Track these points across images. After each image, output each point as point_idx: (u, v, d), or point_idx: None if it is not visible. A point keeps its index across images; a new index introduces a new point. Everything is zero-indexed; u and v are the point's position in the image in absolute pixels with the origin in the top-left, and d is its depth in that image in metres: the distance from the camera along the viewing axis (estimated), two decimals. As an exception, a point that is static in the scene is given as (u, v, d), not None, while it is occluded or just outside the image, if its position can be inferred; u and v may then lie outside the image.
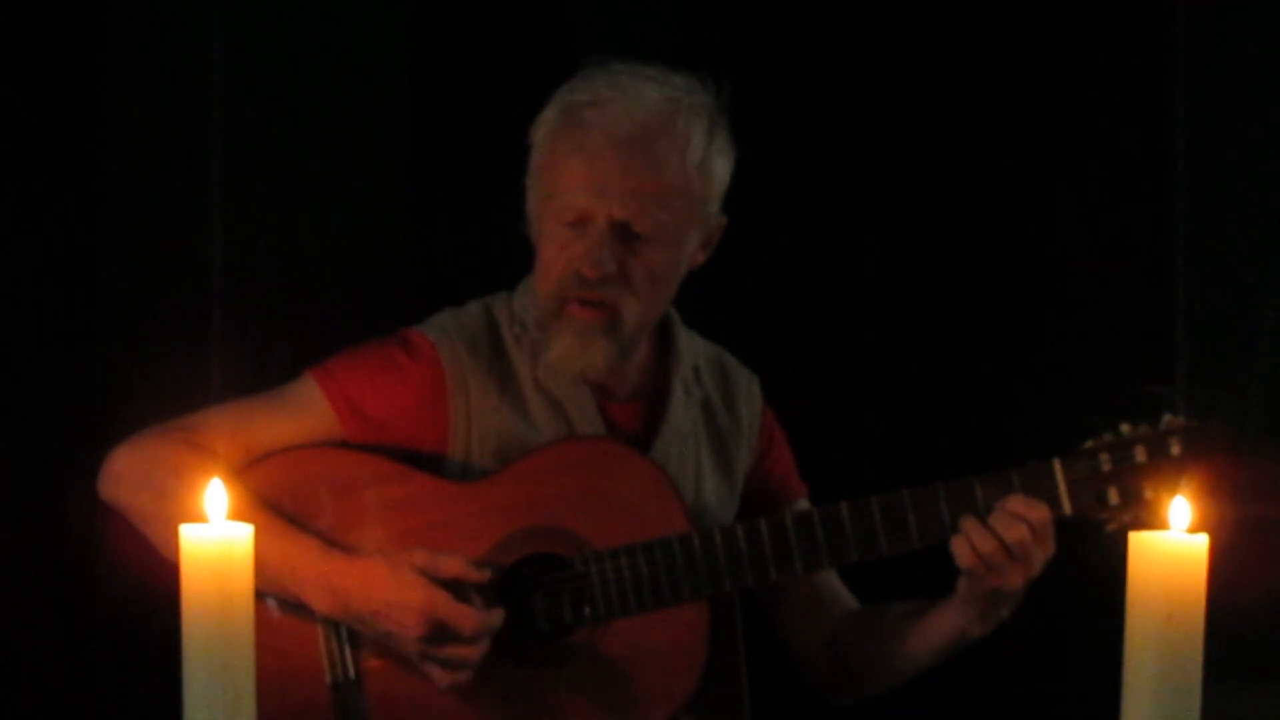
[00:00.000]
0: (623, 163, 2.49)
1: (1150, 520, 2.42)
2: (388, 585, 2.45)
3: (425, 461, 2.56)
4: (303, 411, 2.57)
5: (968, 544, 2.48)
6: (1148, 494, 2.50)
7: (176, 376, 3.14)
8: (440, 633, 2.44)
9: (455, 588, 2.46)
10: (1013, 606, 2.55)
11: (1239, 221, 3.45)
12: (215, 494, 1.84)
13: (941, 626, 2.60)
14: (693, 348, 2.70)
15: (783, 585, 2.69)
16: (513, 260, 2.64)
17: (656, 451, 2.60)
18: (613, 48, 2.59)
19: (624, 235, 2.50)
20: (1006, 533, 2.46)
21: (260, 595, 2.46)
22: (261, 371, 2.94)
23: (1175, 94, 3.41)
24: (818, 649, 2.73)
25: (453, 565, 2.47)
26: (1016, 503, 2.48)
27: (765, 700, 2.65)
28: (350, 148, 3.34)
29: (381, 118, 3.36)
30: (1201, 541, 1.85)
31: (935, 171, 3.53)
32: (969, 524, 2.48)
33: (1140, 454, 2.51)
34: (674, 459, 2.62)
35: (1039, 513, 2.48)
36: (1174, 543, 1.84)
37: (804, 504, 2.74)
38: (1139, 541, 1.85)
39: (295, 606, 2.50)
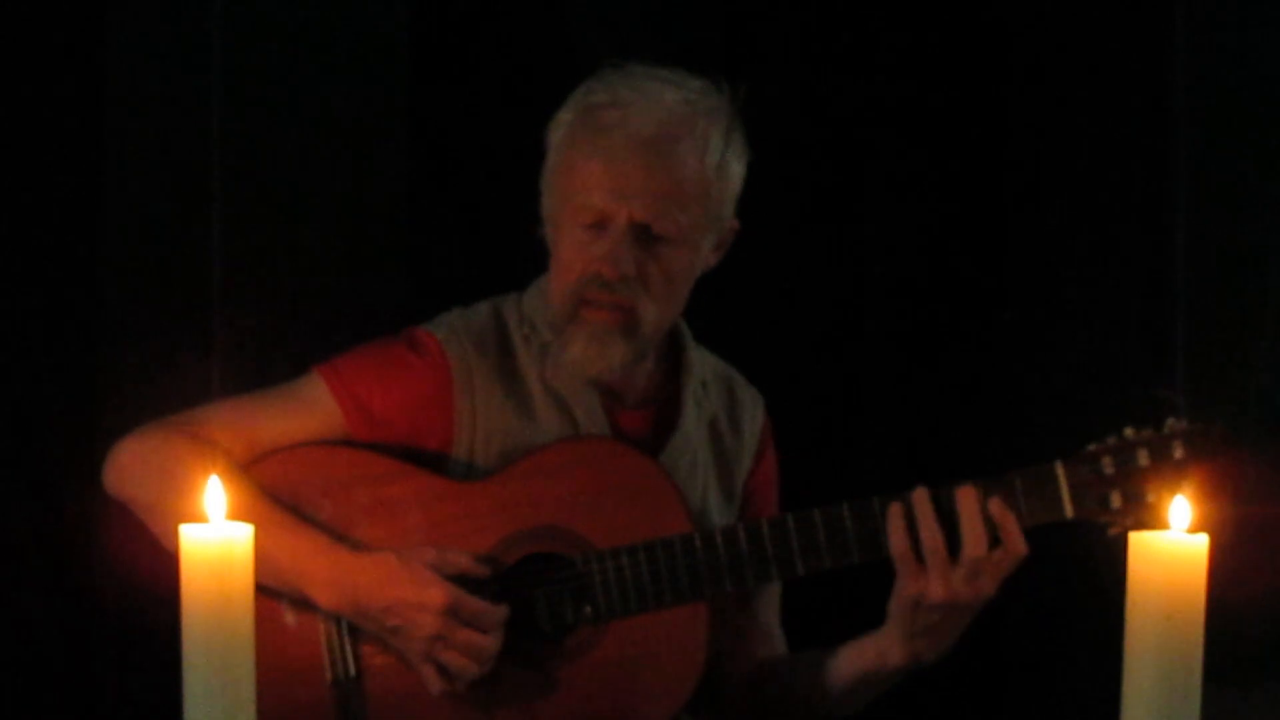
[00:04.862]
0: (644, 165, 2.48)
1: (1153, 523, 2.42)
2: (402, 581, 2.45)
3: (429, 460, 2.56)
4: (308, 408, 2.57)
5: (902, 529, 2.45)
6: (1150, 497, 2.48)
7: (177, 376, 3.14)
8: (453, 631, 2.44)
9: (462, 585, 2.46)
10: (949, 635, 2.49)
11: (1239, 222, 3.45)
12: (215, 493, 1.84)
13: (863, 647, 2.55)
14: (702, 363, 2.69)
15: (725, 606, 2.62)
16: (517, 261, 2.64)
17: (666, 458, 2.60)
18: (614, 48, 2.59)
19: (643, 237, 2.50)
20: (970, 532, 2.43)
21: (273, 597, 2.47)
22: (263, 372, 2.94)
23: (1175, 95, 3.41)
24: (736, 679, 2.67)
25: (459, 561, 2.47)
26: (994, 504, 2.45)
27: (765, 700, 2.65)
28: (350, 147, 3.34)
29: (382, 118, 3.36)
30: (1201, 541, 1.85)
31: (937, 176, 3.54)
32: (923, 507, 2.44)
33: (1143, 457, 2.49)
34: (683, 466, 2.61)
35: (1008, 520, 2.44)
36: (1174, 543, 1.84)
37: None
38: (1139, 541, 1.85)
39: (298, 602, 2.50)
